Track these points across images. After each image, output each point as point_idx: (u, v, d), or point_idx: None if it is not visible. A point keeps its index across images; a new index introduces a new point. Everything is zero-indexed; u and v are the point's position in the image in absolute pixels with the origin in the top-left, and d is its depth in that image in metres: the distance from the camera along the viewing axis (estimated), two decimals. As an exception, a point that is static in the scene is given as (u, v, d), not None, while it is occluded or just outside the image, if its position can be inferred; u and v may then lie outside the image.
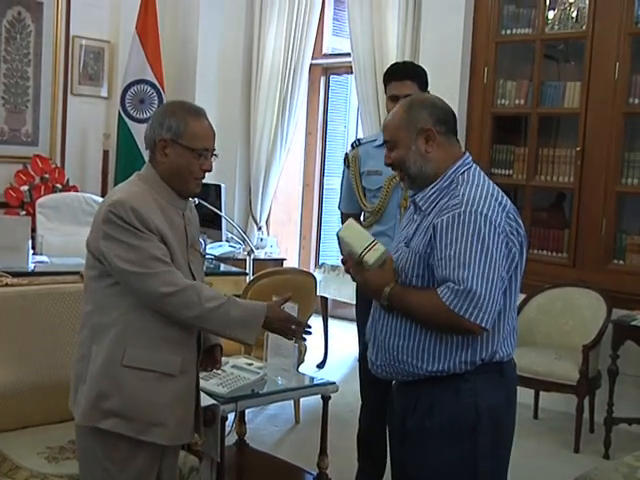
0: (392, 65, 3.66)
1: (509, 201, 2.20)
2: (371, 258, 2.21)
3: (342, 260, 2.32)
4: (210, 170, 2.43)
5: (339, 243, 2.32)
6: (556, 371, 4.61)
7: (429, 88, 3.51)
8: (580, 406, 4.53)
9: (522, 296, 5.08)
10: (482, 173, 2.25)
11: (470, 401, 2.17)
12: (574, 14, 5.36)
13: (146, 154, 2.48)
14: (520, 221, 2.20)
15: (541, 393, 5.00)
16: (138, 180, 2.42)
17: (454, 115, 2.29)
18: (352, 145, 3.71)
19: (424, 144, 2.21)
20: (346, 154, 3.69)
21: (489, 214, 2.09)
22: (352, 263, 2.25)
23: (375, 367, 2.31)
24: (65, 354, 2.96)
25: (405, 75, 3.44)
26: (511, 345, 2.24)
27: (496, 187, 2.22)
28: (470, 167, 2.24)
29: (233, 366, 3.34)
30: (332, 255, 7.10)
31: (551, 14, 5.46)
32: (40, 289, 3.18)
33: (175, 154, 2.37)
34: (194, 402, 2.51)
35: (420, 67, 3.64)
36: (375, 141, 3.54)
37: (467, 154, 2.28)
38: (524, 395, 4.93)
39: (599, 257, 5.15)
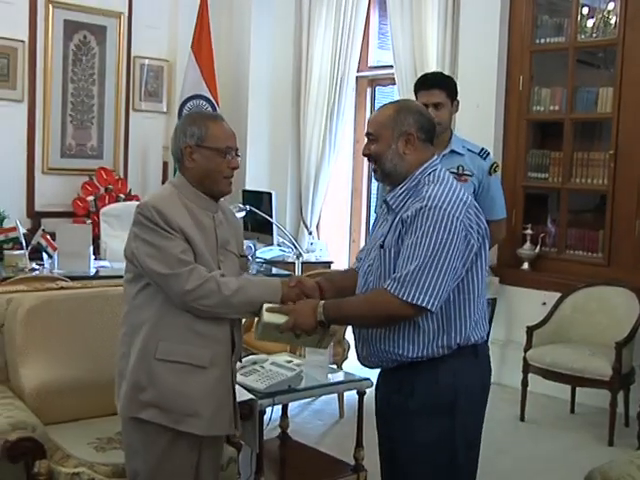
0: (421, 75, 3.75)
1: (471, 199, 2.39)
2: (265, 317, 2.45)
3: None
4: (237, 167, 2.54)
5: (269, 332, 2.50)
6: (590, 367, 4.68)
7: (465, 97, 3.58)
8: (614, 401, 4.60)
9: (557, 295, 5.21)
10: (447, 174, 2.43)
11: (448, 382, 2.35)
12: (612, 21, 5.43)
13: None
14: (481, 217, 2.38)
15: (577, 388, 5.06)
16: (169, 186, 2.58)
17: (435, 126, 2.50)
18: None
19: (403, 146, 2.40)
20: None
21: (448, 209, 2.27)
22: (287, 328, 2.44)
23: (362, 359, 2.50)
24: (114, 352, 3.00)
25: (433, 84, 3.53)
26: (483, 329, 2.42)
27: (460, 186, 2.41)
28: (436, 169, 2.42)
29: (272, 363, 3.50)
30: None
31: (590, 22, 5.52)
32: (91, 292, 3.34)
33: (202, 157, 2.49)
34: (230, 395, 2.57)
35: (449, 77, 3.75)
36: None
37: (435, 157, 2.46)
38: (561, 390, 5.07)
39: (633, 257, 5.24)
